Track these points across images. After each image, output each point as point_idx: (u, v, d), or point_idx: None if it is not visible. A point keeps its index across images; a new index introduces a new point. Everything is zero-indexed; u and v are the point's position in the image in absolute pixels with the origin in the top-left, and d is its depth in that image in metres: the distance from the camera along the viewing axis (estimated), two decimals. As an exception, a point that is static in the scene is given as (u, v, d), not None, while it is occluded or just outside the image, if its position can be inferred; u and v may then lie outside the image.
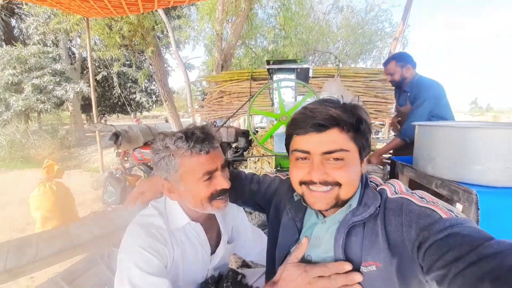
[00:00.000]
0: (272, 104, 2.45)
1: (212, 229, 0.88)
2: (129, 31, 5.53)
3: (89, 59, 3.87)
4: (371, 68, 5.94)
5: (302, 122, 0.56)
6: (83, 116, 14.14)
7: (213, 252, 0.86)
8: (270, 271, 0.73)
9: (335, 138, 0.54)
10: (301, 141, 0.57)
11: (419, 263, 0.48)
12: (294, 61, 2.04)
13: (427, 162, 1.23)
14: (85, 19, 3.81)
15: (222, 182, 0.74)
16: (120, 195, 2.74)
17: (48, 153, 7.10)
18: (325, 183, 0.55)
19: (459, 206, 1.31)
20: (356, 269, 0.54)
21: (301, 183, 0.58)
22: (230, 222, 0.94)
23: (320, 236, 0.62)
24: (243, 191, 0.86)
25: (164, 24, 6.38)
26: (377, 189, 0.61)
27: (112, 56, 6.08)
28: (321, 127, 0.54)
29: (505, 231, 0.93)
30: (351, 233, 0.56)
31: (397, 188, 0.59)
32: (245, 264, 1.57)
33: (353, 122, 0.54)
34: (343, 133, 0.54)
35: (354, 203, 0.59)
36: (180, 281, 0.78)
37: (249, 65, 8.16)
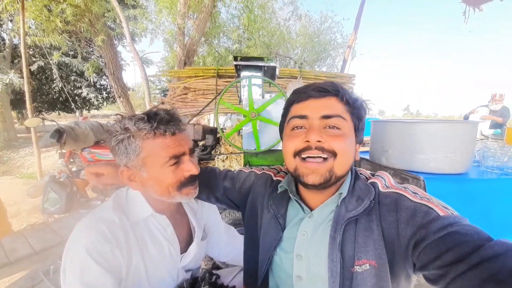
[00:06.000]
0: (240, 102, 2.43)
1: (181, 225, 0.81)
2: (74, 15, 4.85)
3: (22, 44, 3.28)
4: (329, 71, 6.40)
5: (303, 89, 0.58)
6: (13, 113, 11.90)
7: (184, 250, 0.79)
8: (251, 271, 0.69)
9: (334, 104, 0.55)
10: (300, 107, 0.57)
11: (412, 260, 0.47)
12: (261, 58, 2.05)
13: (381, 154, 1.37)
14: (17, -3, 3.23)
15: (190, 167, 0.67)
16: (66, 202, 2.37)
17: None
18: (321, 149, 0.53)
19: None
20: (349, 268, 0.52)
21: (295, 154, 0.55)
22: (202, 220, 0.88)
23: (307, 232, 0.59)
24: (216, 187, 0.81)
25: (117, 12, 5.80)
26: (368, 181, 0.60)
27: (51, 43, 5.25)
28: (322, 92, 0.55)
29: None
30: (345, 229, 0.54)
31: (387, 181, 0.58)
32: (215, 266, 1.50)
33: (350, 95, 0.57)
34: (342, 103, 0.56)
35: (344, 191, 0.56)
36: (144, 283, 0.70)
37: (213, 64, 7.99)
